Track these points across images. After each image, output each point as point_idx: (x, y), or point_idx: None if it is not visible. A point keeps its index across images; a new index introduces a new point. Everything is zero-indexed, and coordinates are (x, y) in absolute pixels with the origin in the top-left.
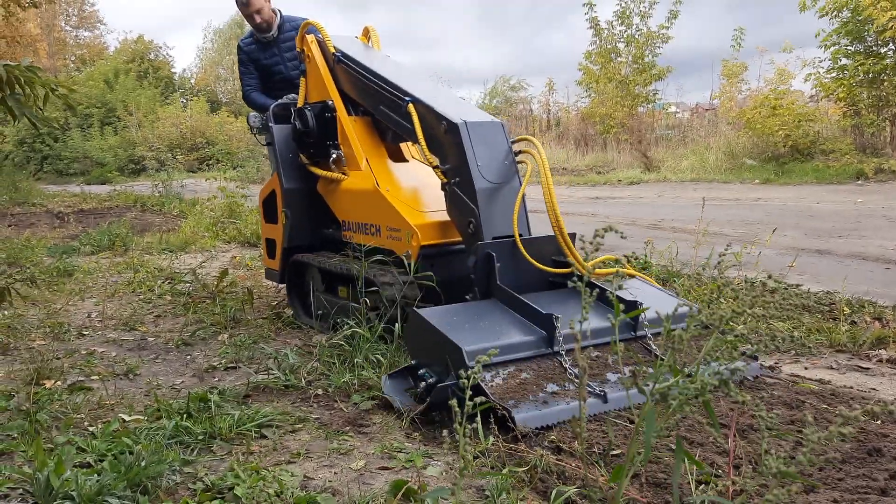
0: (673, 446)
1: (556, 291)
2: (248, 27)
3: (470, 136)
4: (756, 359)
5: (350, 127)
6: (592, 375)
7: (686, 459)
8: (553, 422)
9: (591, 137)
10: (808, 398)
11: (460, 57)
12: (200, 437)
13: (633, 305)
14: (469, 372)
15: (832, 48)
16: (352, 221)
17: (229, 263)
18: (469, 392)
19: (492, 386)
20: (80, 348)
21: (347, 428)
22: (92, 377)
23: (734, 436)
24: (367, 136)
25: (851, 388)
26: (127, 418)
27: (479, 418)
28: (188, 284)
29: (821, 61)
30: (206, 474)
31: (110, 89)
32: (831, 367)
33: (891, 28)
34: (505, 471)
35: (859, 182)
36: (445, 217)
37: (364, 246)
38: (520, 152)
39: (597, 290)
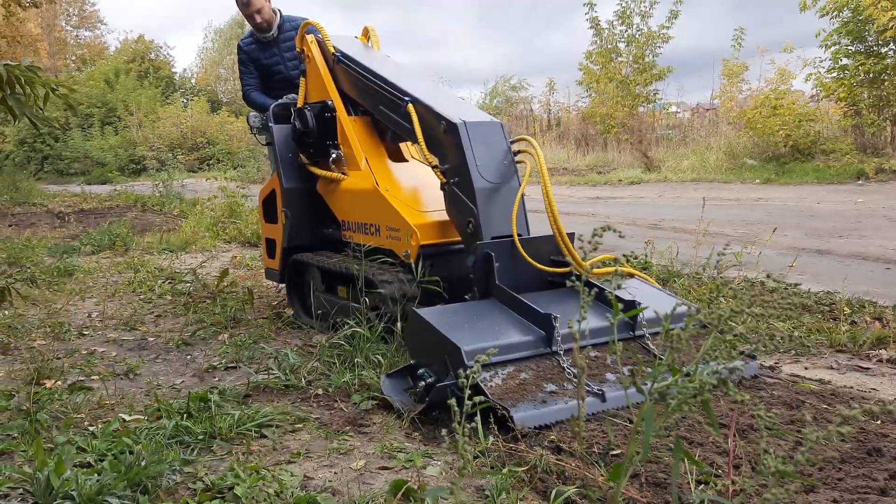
0: (673, 446)
1: (554, 291)
2: (248, 27)
3: (469, 135)
4: (754, 358)
5: (350, 127)
6: (591, 375)
7: (685, 459)
8: (552, 421)
9: (592, 137)
10: (808, 398)
11: (460, 57)
12: (200, 437)
13: (631, 305)
14: (468, 372)
15: (833, 48)
16: (351, 221)
17: (230, 263)
18: (468, 392)
19: (491, 386)
20: (81, 348)
21: (347, 428)
22: (92, 377)
23: (734, 436)
24: (366, 136)
25: (851, 388)
26: (127, 418)
27: (478, 418)
28: (188, 284)
29: (821, 61)
30: (206, 474)
31: (111, 89)
32: (831, 367)
33: (891, 28)
34: (505, 470)
35: (860, 182)
36: (445, 217)
37: (364, 246)
38: (519, 152)
39: (595, 289)
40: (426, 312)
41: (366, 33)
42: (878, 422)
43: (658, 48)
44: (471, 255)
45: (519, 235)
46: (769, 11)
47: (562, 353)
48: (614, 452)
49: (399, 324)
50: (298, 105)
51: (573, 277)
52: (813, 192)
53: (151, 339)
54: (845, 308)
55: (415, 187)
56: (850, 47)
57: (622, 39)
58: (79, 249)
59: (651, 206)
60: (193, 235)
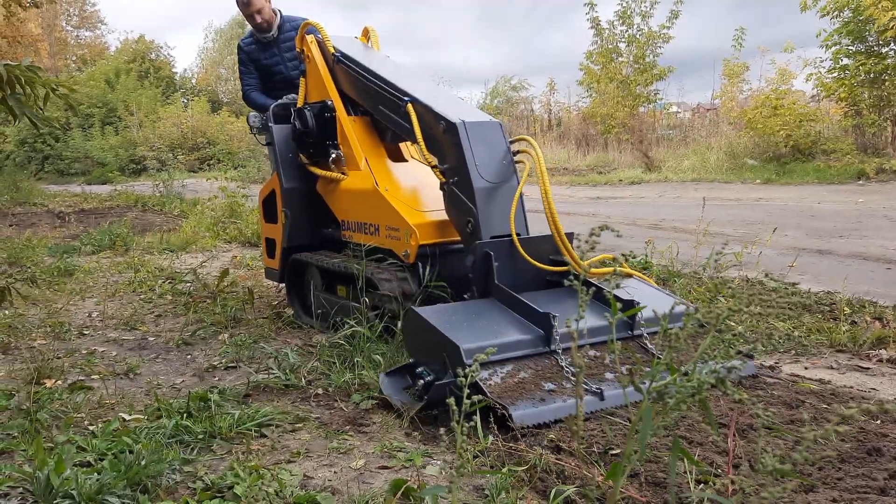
0: (681, 448)
1: (553, 290)
2: (248, 27)
3: (468, 135)
4: (752, 357)
5: (349, 127)
6: (590, 374)
7: (685, 459)
8: (550, 419)
9: (593, 137)
10: (808, 398)
11: (460, 57)
12: (200, 437)
13: (630, 304)
14: (467, 370)
15: (833, 48)
16: (351, 221)
17: (230, 263)
18: (467, 390)
19: (489, 384)
20: (81, 348)
21: (347, 427)
22: (92, 376)
23: (734, 435)
24: (366, 136)
25: (851, 388)
26: (127, 417)
27: (478, 417)
28: (189, 284)
29: (822, 61)
30: (206, 473)
31: (111, 89)
32: (831, 367)
33: (892, 28)
34: (504, 470)
35: (860, 182)
36: (444, 216)
37: (365, 245)
38: (518, 152)
39: (593, 288)
40: (425, 311)
41: (366, 34)
42: (878, 421)
43: (658, 48)
44: (470, 254)
45: (518, 235)
46: (769, 11)
47: (560, 351)
48: (614, 452)
49: (399, 323)
50: (298, 105)
51: (571, 277)
52: (813, 193)
53: (152, 338)
54: (845, 308)
55: (414, 187)
56: (850, 47)
57: (623, 39)
58: (79, 249)
59: (651, 207)
60: (194, 235)
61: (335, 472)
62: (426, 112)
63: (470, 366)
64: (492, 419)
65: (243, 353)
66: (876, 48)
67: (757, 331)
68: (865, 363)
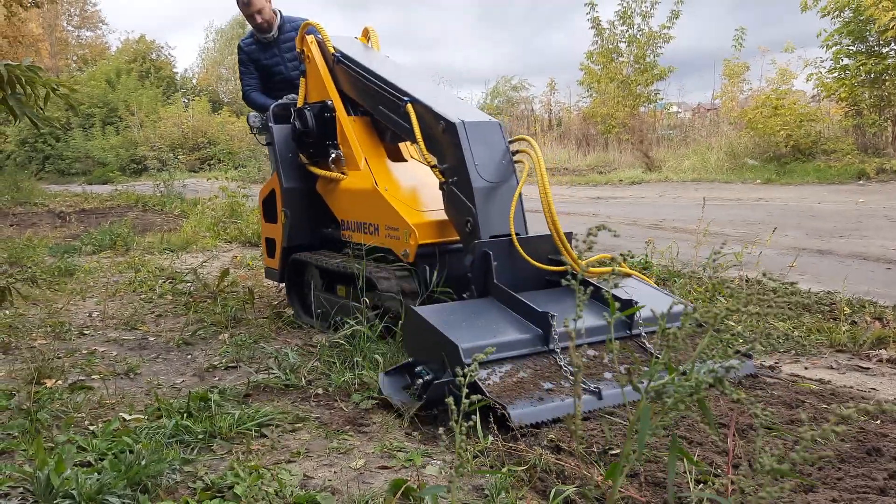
0: (679, 447)
1: (552, 290)
2: (249, 27)
3: (468, 135)
4: (750, 357)
5: (349, 127)
6: (589, 373)
7: (685, 459)
8: (548, 418)
9: (593, 137)
10: (808, 398)
11: (460, 57)
12: (201, 437)
13: (628, 304)
14: (466, 370)
15: (834, 48)
16: (351, 220)
17: (230, 263)
18: (465, 390)
19: (488, 384)
20: (81, 347)
21: (347, 427)
22: (93, 376)
23: (733, 435)
24: (366, 136)
25: (851, 388)
26: (127, 417)
27: (478, 417)
28: (189, 284)
29: (822, 61)
30: (206, 473)
31: (112, 89)
32: (831, 367)
33: (892, 28)
34: (504, 470)
35: (861, 182)
36: (443, 216)
37: (365, 245)
38: (517, 152)
39: (591, 288)
40: (424, 311)
41: (365, 34)
42: (878, 421)
43: (659, 48)
44: (469, 254)
45: (517, 234)
46: (769, 11)
47: (559, 351)
48: (613, 451)
49: (400, 322)
50: (298, 105)
51: (569, 276)
52: (814, 193)
53: (152, 338)
54: (845, 308)
55: (414, 187)
56: (851, 47)
57: (623, 39)
58: (80, 249)
59: (652, 206)
60: (194, 235)
61: (335, 472)
62: (426, 112)
63: (469, 365)
64: (492, 419)
65: (243, 353)
66: (876, 48)
67: (755, 330)
68: (865, 363)
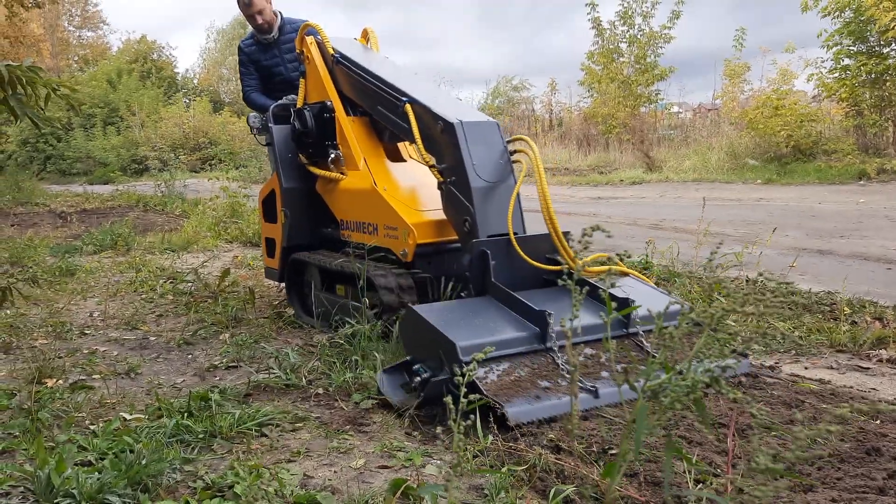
0: (676, 446)
1: (550, 289)
2: (250, 28)
3: (466, 135)
4: (747, 356)
5: (348, 127)
6: (586, 372)
7: (683, 459)
8: (545, 416)
9: (594, 137)
10: (808, 398)
11: (460, 57)
12: (201, 436)
13: (625, 303)
14: (465, 369)
15: (834, 48)
16: (350, 220)
17: (231, 263)
18: (464, 389)
19: (486, 382)
20: (82, 347)
21: (347, 427)
22: (93, 376)
23: (733, 435)
24: (365, 136)
25: (851, 387)
26: (128, 417)
27: (477, 416)
28: (190, 284)
29: (823, 61)
30: (207, 473)
31: (113, 89)
32: (831, 367)
33: (893, 28)
34: (504, 469)
35: (861, 182)
36: (442, 216)
37: (366, 246)
38: (515, 151)
39: (587, 287)
40: (422, 309)
41: (365, 35)
42: (878, 421)
43: (660, 48)
44: (467, 253)
45: (515, 234)
46: (769, 11)
47: (556, 349)
48: (613, 451)
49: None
50: (298, 106)
51: (565, 275)
52: (814, 193)
53: (153, 338)
54: (846, 308)
55: (412, 187)
56: (851, 48)
57: (624, 40)
58: (81, 249)
59: (652, 207)
60: (195, 235)
61: (335, 472)
62: (424, 112)
63: (467, 363)
64: (491, 419)
65: (244, 353)
66: (877, 48)
67: (753, 330)
68: (865, 363)
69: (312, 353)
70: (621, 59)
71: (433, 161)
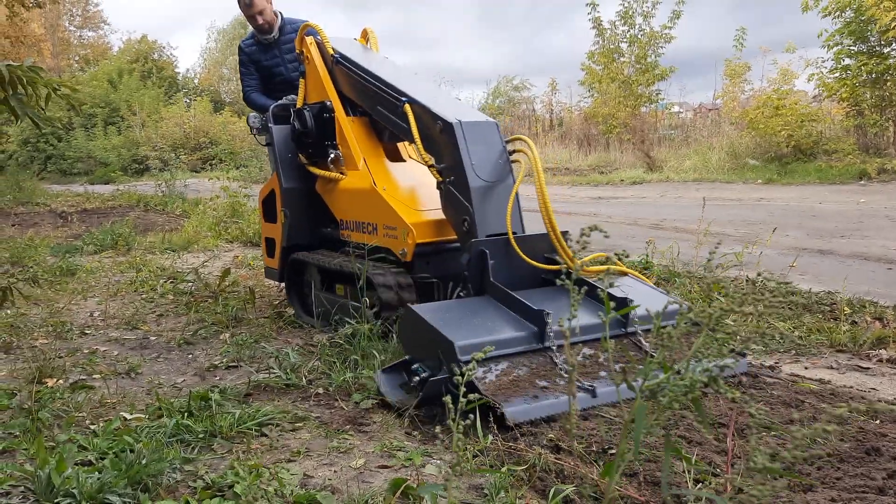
0: (674, 446)
1: (548, 288)
2: (250, 28)
3: (465, 135)
4: (744, 355)
5: (348, 127)
6: (584, 371)
7: (683, 459)
8: (542, 415)
9: (594, 137)
10: (808, 398)
11: (460, 57)
12: (201, 436)
13: (623, 302)
14: (465, 369)
15: (835, 48)
16: (349, 220)
17: (231, 263)
18: (463, 389)
19: (485, 382)
20: (83, 347)
21: (347, 427)
22: (94, 376)
23: (732, 435)
24: (364, 136)
25: (851, 388)
26: (128, 417)
27: (477, 416)
28: (190, 284)
29: (824, 61)
30: (207, 472)
31: (114, 89)
32: (831, 367)
33: (894, 28)
34: (503, 469)
35: (862, 182)
36: (441, 215)
37: (367, 245)
38: (514, 151)
39: (586, 287)
40: (420, 308)
41: (364, 35)
42: (877, 421)
43: (660, 48)
44: (466, 252)
45: (513, 233)
46: (769, 11)
47: (554, 348)
48: (612, 451)
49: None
50: (298, 106)
51: (563, 275)
52: (815, 193)
53: (153, 338)
54: (846, 308)
55: (412, 186)
56: (852, 47)
57: (624, 40)
58: (81, 249)
59: (653, 206)
60: (196, 235)
61: (335, 472)
62: (423, 112)
63: (466, 363)
64: (491, 418)
65: (244, 353)
66: (878, 48)
67: (751, 330)
68: (865, 363)
69: (312, 352)
70: (622, 59)
71: (432, 161)
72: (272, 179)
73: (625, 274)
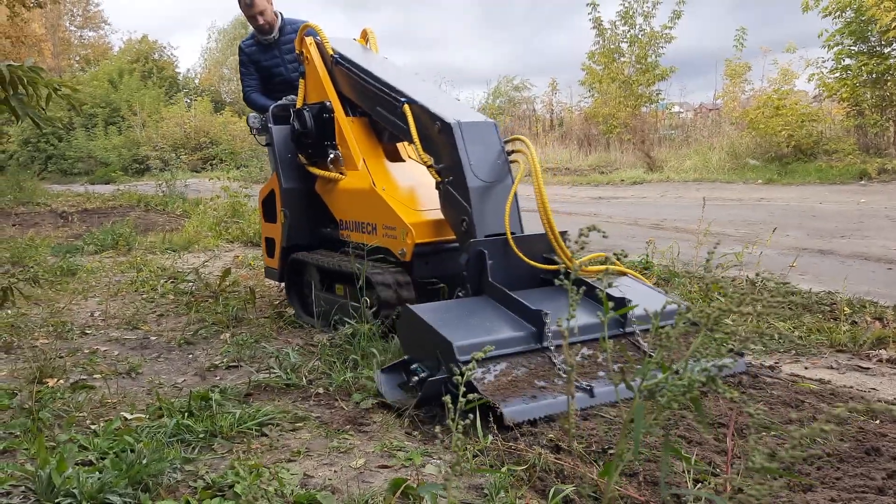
0: (673, 446)
1: (547, 288)
2: (251, 28)
3: (463, 135)
4: (742, 355)
5: (347, 127)
6: (582, 371)
7: (682, 459)
8: (540, 415)
9: (595, 137)
10: (808, 398)
11: (461, 57)
12: (201, 436)
13: (621, 302)
14: (465, 368)
15: (835, 48)
16: (349, 220)
17: (232, 263)
18: (463, 388)
19: (483, 382)
20: (83, 347)
21: (348, 426)
22: (94, 376)
23: (732, 435)
24: (364, 137)
25: (851, 388)
26: (129, 416)
27: (477, 416)
28: (191, 284)
29: (824, 61)
30: (207, 472)
31: (115, 89)
32: (831, 367)
33: (894, 28)
34: (503, 469)
35: (862, 182)
36: (440, 215)
37: (367, 246)
38: (513, 152)
39: (584, 287)
40: (419, 309)
41: (364, 35)
42: (877, 421)
43: (660, 48)
44: (464, 252)
45: (512, 233)
46: (769, 12)
47: (553, 348)
48: (612, 451)
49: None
50: (297, 106)
51: (561, 275)
52: (815, 193)
53: (153, 338)
54: (846, 308)
55: (411, 186)
56: (852, 47)
57: (625, 40)
58: (82, 249)
59: (653, 206)
60: (196, 235)
61: (335, 472)
62: (422, 112)
63: (466, 363)
64: (491, 418)
65: (245, 353)
66: (878, 48)
67: (751, 330)
68: (865, 363)
69: (313, 352)
70: (622, 59)
71: (431, 161)
72: (272, 179)
73: (623, 274)
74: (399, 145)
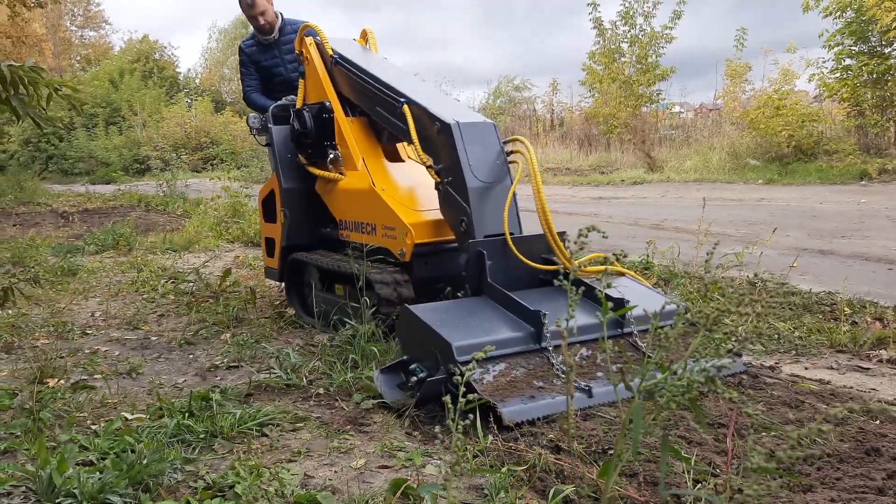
0: (673, 446)
1: (546, 289)
2: (251, 28)
3: (462, 136)
4: (740, 356)
5: (347, 128)
6: (580, 371)
7: (682, 459)
8: (539, 415)
9: (595, 137)
10: (808, 398)
11: (461, 57)
12: (202, 436)
13: (620, 303)
14: (464, 369)
15: (836, 48)
16: (348, 220)
17: (232, 263)
18: (462, 389)
19: (483, 383)
20: (84, 347)
21: (348, 427)
22: (95, 376)
23: (732, 435)
24: (363, 137)
25: (851, 388)
26: (129, 417)
27: (477, 416)
28: (191, 284)
29: (824, 61)
30: (208, 472)
31: (115, 89)
32: (831, 368)
33: (894, 28)
34: (503, 469)
35: (863, 182)
36: (439, 216)
37: (367, 246)
38: (512, 152)
39: (583, 287)
40: (418, 309)
41: (364, 36)
42: (877, 422)
43: (661, 48)
44: (463, 253)
45: (511, 234)
46: (770, 12)
47: (551, 349)
48: (612, 451)
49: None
50: (297, 106)
51: (560, 276)
52: (816, 193)
53: (154, 338)
54: (846, 308)
55: (410, 187)
56: (853, 48)
57: (625, 40)
58: (82, 249)
59: (653, 207)
60: (197, 235)
61: (335, 472)
62: (422, 113)
63: (465, 363)
64: (491, 419)
65: (245, 353)
66: (879, 48)
67: (750, 330)
68: (866, 363)
69: (313, 353)
70: (623, 59)
71: (430, 161)
72: (272, 180)
73: (622, 274)
74: (398, 145)
